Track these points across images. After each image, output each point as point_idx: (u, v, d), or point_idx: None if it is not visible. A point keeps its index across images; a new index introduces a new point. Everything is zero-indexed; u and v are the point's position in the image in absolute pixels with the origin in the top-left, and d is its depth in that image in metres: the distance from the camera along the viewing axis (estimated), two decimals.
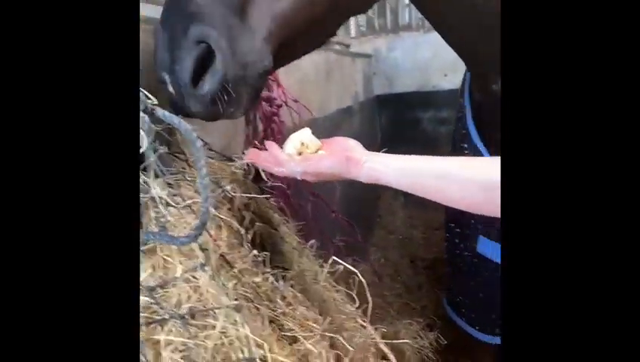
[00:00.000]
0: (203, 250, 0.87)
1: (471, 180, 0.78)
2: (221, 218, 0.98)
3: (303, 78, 2.51)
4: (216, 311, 0.79)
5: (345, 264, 1.13)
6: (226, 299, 0.82)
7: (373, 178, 0.86)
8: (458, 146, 2.77)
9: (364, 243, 2.00)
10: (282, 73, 2.28)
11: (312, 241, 1.26)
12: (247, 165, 1.13)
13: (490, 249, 1.63)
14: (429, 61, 4.25)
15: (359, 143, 0.94)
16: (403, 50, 4.70)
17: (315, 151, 0.97)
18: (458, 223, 1.81)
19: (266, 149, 0.97)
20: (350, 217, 3.12)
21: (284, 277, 1.05)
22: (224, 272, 0.90)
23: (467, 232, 1.75)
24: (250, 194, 1.11)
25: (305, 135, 0.99)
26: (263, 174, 1.12)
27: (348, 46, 4.79)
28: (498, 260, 1.60)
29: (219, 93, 0.85)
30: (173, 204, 0.86)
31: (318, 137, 1.01)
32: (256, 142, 0.99)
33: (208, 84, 0.84)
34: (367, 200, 4.02)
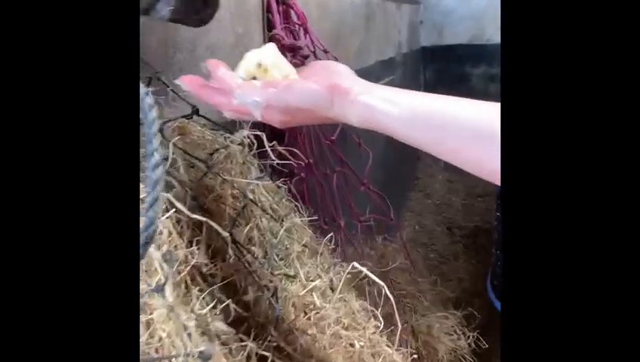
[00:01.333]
0: (165, 261, 0.62)
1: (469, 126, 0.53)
2: (197, 218, 0.73)
3: (339, 24, 2.19)
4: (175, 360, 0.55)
5: (369, 273, 0.86)
6: (194, 337, 0.57)
7: (369, 118, 0.58)
8: None
9: (396, 221, 1.73)
10: (314, 17, 1.96)
11: (330, 236, 1.00)
12: (248, 137, 0.87)
13: None
14: (485, 10, 3.81)
15: (352, 71, 0.64)
16: None
17: (284, 76, 0.66)
18: None
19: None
20: (385, 183, 2.84)
21: (277, 296, 0.79)
22: (196, 292, 0.66)
23: None
24: (246, 177, 0.85)
25: (266, 53, 0.65)
26: (267, 145, 0.85)
27: None
28: None
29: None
30: None
31: None
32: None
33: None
34: (405, 162, 3.72)
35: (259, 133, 0.86)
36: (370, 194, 1.71)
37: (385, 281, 1.64)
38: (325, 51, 1.58)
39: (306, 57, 1.46)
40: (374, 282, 0.99)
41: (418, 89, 4.43)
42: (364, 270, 0.87)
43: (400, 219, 3.59)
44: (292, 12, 1.54)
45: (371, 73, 2.74)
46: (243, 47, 1.38)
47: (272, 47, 0.66)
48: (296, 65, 1.46)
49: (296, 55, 1.45)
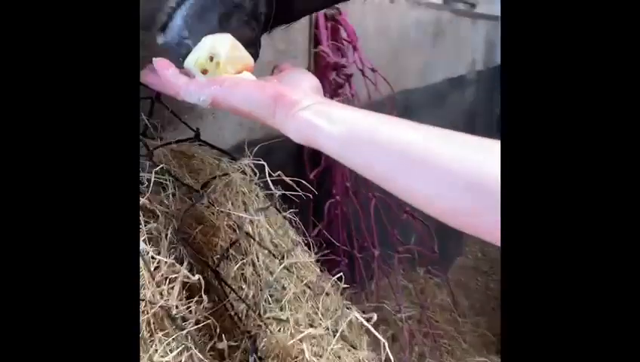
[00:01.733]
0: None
1: (454, 169, 0.45)
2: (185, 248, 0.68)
3: (399, 41, 2.10)
4: None
5: (368, 325, 0.78)
6: None
7: (307, 135, 0.54)
8: None
9: (436, 254, 1.61)
10: (370, 34, 1.89)
11: (338, 271, 0.92)
12: (249, 165, 0.81)
13: None
14: None
15: (317, 84, 0.61)
16: None
17: (238, 72, 0.60)
18: None
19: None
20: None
21: (255, 346, 0.73)
22: (160, 336, 0.60)
23: None
24: (247, 208, 0.79)
25: (221, 45, 0.59)
26: (267, 175, 0.79)
27: (473, 5, 4.21)
28: None
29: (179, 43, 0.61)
30: None
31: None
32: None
33: (169, 33, 0.61)
34: None
35: (262, 162, 0.81)
36: (414, 223, 1.60)
37: (421, 319, 1.54)
38: (373, 70, 1.50)
39: (350, 76, 1.39)
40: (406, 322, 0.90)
41: (491, 109, 4.24)
42: (363, 320, 0.79)
43: (460, 247, 3.41)
44: (341, 29, 1.48)
45: (436, 90, 2.62)
46: None
47: (228, 38, 0.60)
48: (339, 85, 1.40)
49: (339, 73, 1.38)
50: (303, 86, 0.60)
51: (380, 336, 0.76)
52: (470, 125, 3.41)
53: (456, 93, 3.03)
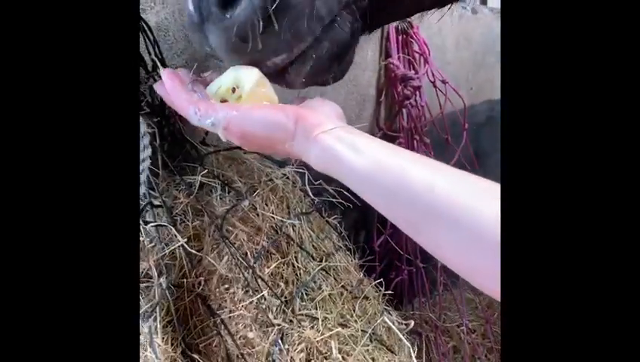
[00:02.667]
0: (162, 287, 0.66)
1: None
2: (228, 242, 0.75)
3: (482, 53, 2.07)
4: None
5: (395, 329, 0.81)
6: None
7: (328, 161, 0.50)
8: None
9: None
10: (449, 46, 1.88)
11: (401, 280, 0.95)
12: (291, 173, 0.88)
13: None
14: None
15: (340, 111, 0.57)
16: None
17: None
18: None
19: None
20: None
21: (282, 338, 0.78)
22: (195, 321, 0.68)
23: None
24: (289, 212, 0.86)
25: (246, 78, 0.56)
26: (307, 183, 0.85)
27: None
28: None
29: (253, 22, 0.51)
30: None
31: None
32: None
33: (240, 8, 0.52)
34: None
35: (303, 170, 0.87)
36: None
37: (485, 333, 1.51)
38: (444, 82, 1.51)
39: (417, 88, 1.41)
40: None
41: None
42: (392, 325, 0.82)
43: None
44: (413, 42, 1.51)
45: None
46: (350, 80, 1.38)
47: (255, 73, 0.56)
48: (406, 96, 1.43)
49: (407, 85, 1.41)
50: (325, 110, 0.56)
51: (405, 341, 0.80)
52: None
53: None
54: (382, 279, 0.99)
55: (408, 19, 1.48)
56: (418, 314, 1.43)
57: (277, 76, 0.59)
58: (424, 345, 1.38)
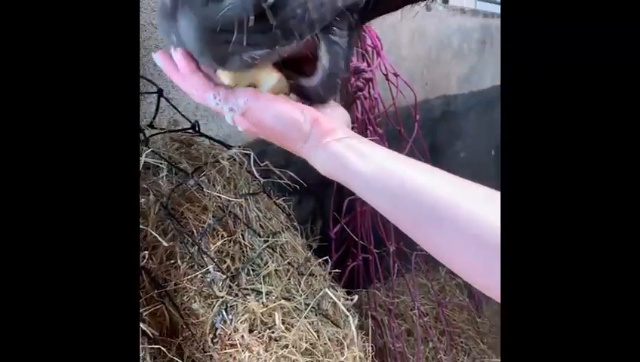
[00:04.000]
0: None
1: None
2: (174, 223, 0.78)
3: (438, 48, 2.14)
4: None
5: (337, 301, 0.85)
6: None
7: (335, 167, 0.52)
8: None
9: None
10: (403, 42, 1.95)
11: (354, 265, 1.00)
12: (237, 154, 0.91)
13: None
14: None
15: (349, 118, 0.59)
16: None
17: None
18: None
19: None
20: None
21: (226, 310, 0.82)
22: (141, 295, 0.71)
23: None
24: (237, 193, 0.89)
25: (267, 76, 0.56)
26: (252, 164, 0.89)
27: None
28: None
29: (241, 15, 0.48)
30: None
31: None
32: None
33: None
34: None
35: (248, 151, 0.90)
36: None
37: (438, 316, 1.57)
38: (396, 75, 1.56)
39: (370, 80, 1.46)
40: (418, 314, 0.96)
41: None
42: (333, 297, 0.86)
43: None
44: (366, 36, 1.56)
45: (482, 97, 2.62)
46: None
47: (277, 78, 0.56)
48: (359, 88, 1.47)
49: (359, 77, 1.46)
50: (337, 116, 0.57)
51: (345, 310, 0.83)
52: None
53: None
54: (337, 265, 1.03)
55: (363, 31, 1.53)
56: (372, 298, 1.47)
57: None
58: (378, 328, 1.43)
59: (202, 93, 0.54)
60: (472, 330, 1.56)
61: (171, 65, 0.55)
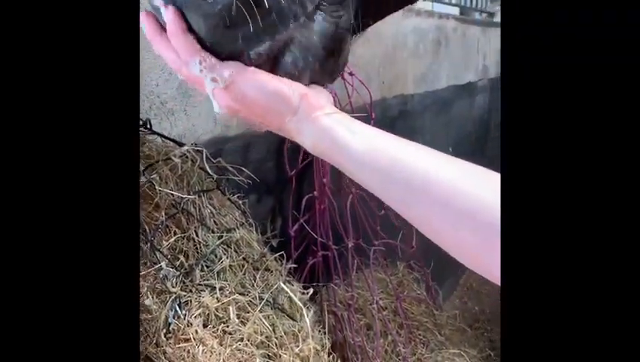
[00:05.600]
0: None
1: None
2: None
3: (394, 48, 2.18)
4: None
5: (291, 294, 0.87)
6: None
7: (324, 142, 0.50)
8: None
9: (414, 249, 1.68)
10: (360, 42, 1.97)
11: (313, 262, 1.01)
12: (189, 151, 0.92)
13: None
14: None
15: (331, 99, 0.55)
16: None
17: None
18: None
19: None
20: None
21: (179, 305, 0.82)
22: None
23: None
24: (190, 190, 0.89)
25: None
26: (205, 161, 0.89)
27: (492, 14, 4.24)
28: None
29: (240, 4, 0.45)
30: None
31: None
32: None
33: None
34: None
35: (200, 148, 0.91)
36: (394, 219, 1.67)
37: (396, 310, 1.60)
38: (351, 74, 1.59)
39: None
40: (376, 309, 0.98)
41: None
42: (288, 290, 0.87)
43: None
44: None
45: (438, 97, 2.68)
46: None
47: None
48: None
49: None
50: (325, 97, 0.55)
51: (299, 302, 0.85)
52: (482, 131, 3.45)
53: (463, 99, 3.07)
54: (297, 264, 1.04)
55: None
56: (333, 294, 1.49)
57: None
58: (338, 323, 1.45)
59: (188, 56, 0.49)
60: (429, 323, 1.60)
61: (156, 26, 0.51)
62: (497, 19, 4.12)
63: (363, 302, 1.53)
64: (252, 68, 0.50)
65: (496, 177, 0.44)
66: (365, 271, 1.55)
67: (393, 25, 2.15)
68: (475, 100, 3.29)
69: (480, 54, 3.32)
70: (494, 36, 3.57)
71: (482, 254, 0.43)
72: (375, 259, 1.58)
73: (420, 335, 1.58)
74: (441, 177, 0.45)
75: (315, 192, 1.54)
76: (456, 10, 3.68)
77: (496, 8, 4.36)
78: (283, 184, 1.56)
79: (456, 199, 0.44)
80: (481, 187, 0.44)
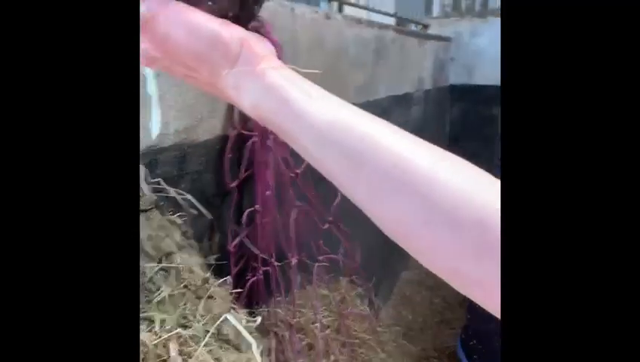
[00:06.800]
0: None
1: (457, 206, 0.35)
2: None
3: (336, 57, 2.15)
4: None
5: (240, 327, 0.79)
6: None
7: (269, 104, 0.39)
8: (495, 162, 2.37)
9: (356, 264, 1.64)
10: (302, 50, 1.93)
11: (255, 280, 0.93)
12: None
13: None
14: None
15: (274, 50, 0.43)
16: (489, 38, 4.19)
17: None
18: None
19: None
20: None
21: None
22: None
23: None
24: None
25: None
26: (142, 180, 0.81)
27: (426, 26, 4.33)
28: None
29: None
30: None
31: None
32: None
33: None
34: None
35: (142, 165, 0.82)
36: (338, 234, 1.63)
37: (339, 328, 1.55)
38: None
39: None
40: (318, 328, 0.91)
41: (442, 126, 4.33)
42: (235, 322, 0.80)
43: (405, 261, 3.46)
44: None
45: (381, 107, 2.67)
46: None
47: None
48: None
49: None
50: (267, 46, 0.43)
51: (248, 337, 0.78)
52: None
53: (400, 110, 3.09)
54: (237, 280, 0.97)
55: (259, 19, 1.48)
56: (274, 313, 1.43)
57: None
58: (279, 344, 1.38)
59: None
60: (372, 340, 1.56)
61: None
62: (431, 31, 4.22)
63: (305, 321, 1.47)
64: (180, 2, 0.40)
65: (487, 174, 0.37)
66: (308, 287, 1.49)
67: (335, 34, 2.11)
68: (412, 111, 3.32)
69: (417, 66, 3.36)
70: (431, 49, 3.64)
71: (470, 263, 0.34)
72: (318, 275, 1.53)
73: (362, 353, 1.54)
74: (426, 165, 0.36)
75: (257, 206, 1.47)
76: (392, 21, 3.73)
77: (430, 21, 4.47)
78: (222, 196, 1.48)
79: (441, 197, 0.35)
80: (478, 189, 0.36)
